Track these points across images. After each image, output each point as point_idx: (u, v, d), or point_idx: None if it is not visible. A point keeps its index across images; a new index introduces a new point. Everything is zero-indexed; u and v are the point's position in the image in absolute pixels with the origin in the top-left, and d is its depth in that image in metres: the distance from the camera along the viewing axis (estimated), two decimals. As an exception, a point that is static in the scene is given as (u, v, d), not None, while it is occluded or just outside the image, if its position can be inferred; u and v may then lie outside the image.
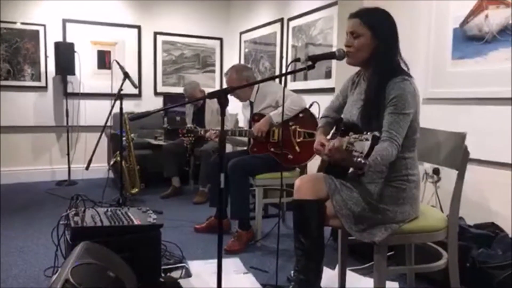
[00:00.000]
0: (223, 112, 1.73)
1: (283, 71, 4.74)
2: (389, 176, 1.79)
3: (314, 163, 3.13)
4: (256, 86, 3.25)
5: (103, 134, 3.70)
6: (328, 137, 2.02)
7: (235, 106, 3.78)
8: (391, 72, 1.75)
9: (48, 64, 5.16)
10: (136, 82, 4.66)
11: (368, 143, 1.34)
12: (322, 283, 1.96)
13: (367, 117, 1.76)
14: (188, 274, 2.48)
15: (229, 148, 4.24)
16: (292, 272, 2.10)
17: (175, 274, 2.45)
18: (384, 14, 1.81)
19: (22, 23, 5.02)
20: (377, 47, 1.76)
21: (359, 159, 1.35)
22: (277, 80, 3.98)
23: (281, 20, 4.79)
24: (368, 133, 1.36)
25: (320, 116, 2.14)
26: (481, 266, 2.18)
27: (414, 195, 1.81)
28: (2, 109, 4.98)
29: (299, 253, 1.90)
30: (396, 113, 1.68)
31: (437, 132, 1.99)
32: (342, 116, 2.00)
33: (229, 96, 1.74)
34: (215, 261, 1.73)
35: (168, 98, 5.50)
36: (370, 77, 1.83)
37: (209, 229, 3.31)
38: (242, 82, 3.16)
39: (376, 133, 1.36)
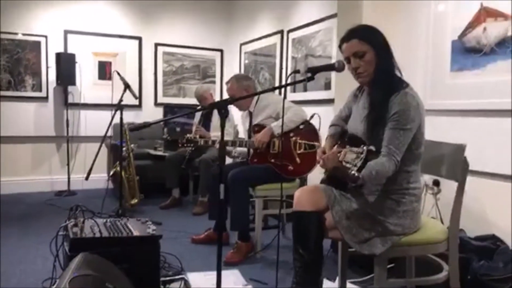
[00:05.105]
0: (223, 123, 1.73)
1: (283, 82, 4.76)
2: (389, 189, 1.78)
3: (314, 175, 3.13)
4: (256, 97, 3.27)
5: (103, 145, 3.70)
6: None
7: (236, 117, 3.77)
8: (392, 85, 1.75)
9: (49, 74, 5.19)
10: (137, 93, 4.69)
11: (362, 156, 1.37)
12: (322, 295, 1.95)
13: (372, 132, 1.75)
14: (187, 286, 2.46)
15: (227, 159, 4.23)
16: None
17: (174, 286, 2.44)
18: (372, 28, 1.84)
19: (24, 34, 5.06)
20: (378, 60, 1.78)
21: (352, 172, 1.39)
22: (276, 91, 3.99)
23: (281, 31, 4.83)
24: (364, 147, 1.39)
25: (330, 124, 2.14)
26: (482, 279, 2.16)
27: (414, 209, 1.80)
28: (3, 119, 4.99)
29: (298, 265, 1.89)
30: (397, 129, 1.67)
31: (437, 144, 2.00)
32: (347, 128, 2.01)
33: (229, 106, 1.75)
34: (215, 273, 1.72)
35: (168, 108, 5.52)
36: (372, 92, 1.83)
37: (207, 240, 3.29)
38: (242, 91, 3.19)
39: (372, 148, 1.39)
